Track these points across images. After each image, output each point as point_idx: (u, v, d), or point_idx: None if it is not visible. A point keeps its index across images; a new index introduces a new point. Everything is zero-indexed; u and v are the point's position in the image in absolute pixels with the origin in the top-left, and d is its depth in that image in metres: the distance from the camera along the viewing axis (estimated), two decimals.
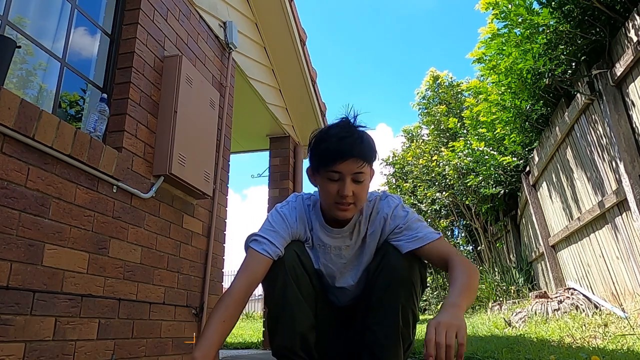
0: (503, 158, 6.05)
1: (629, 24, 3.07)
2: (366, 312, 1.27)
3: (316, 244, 1.35)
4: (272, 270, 1.24)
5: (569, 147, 4.26)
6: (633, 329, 2.60)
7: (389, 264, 1.23)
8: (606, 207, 3.52)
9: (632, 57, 2.97)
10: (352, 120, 1.27)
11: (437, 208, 9.65)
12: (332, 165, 1.20)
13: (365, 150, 1.22)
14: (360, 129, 1.25)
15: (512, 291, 6.19)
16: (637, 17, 2.96)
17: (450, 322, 0.96)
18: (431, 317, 8.31)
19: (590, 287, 4.16)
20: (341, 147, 1.19)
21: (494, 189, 6.71)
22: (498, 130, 5.82)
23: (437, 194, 9.12)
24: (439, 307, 8.81)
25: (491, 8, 4.12)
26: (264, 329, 4.41)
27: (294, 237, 1.32)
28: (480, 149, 6.65)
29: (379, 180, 13.20)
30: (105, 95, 2.06)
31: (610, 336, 2.61)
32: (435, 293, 9.95)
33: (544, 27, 3.86)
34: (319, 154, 1.24)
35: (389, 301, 1.21)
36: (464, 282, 1.11)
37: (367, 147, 1.23)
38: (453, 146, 7.88)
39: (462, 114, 8.76)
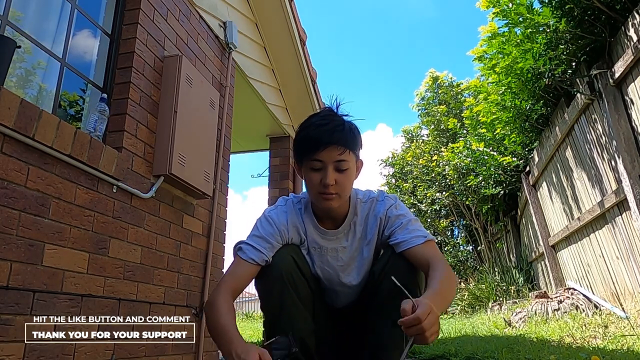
0: (503, 158, 6.05)
1: (628, 24, 3.07)
2: (369, 315, 1.26)
3: (311, 247, 1.32)
4: (268, 276, 1.22)
5: (569, 147, 4.26)
6: (633, 328, 2.60)
7: (393, 268, 1.21)
8: (606, 207, 3.52)
9: (632, 57, 2.97)
10: (335, 109, 1.26)
11: (437, 208, 9.64)
12: (313, 153, 1.18)
13: (346, 137, 1.19)
14: (344, 117, 1.24)
15: (512, 291, 6.19)
16: (637, 17, 2.96)
17: (437, 316, 0.92)
18: None
19: (590, 287, 4.16)
20: (320, 135, 1.18)
21: (494, 189, 6.71)
22: (498, 130, 5.82)
23: (437, 194, 9.12)
24: None
25: (492, 6, 4.13)
26: (263, 329, 4.40)
27: (285, 241, 1.29)
28: (480, 149, 6.65)
29: (378, 181, 13.19)
30: (105, 95, 2.06)
31: (610, 336, 2.61)
32: None
33: (544, 27, 3.87)
34: (300, 144, 1.23)
35: (393, 305, 1.20)
36: (439, 287, 1.05)
37: (348, 134, 1.20)
38: (453, 147, 7.88)
39: (462, 115, 8.75)
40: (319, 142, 1.17)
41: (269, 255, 1.23)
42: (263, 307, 1.26)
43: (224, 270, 3.11)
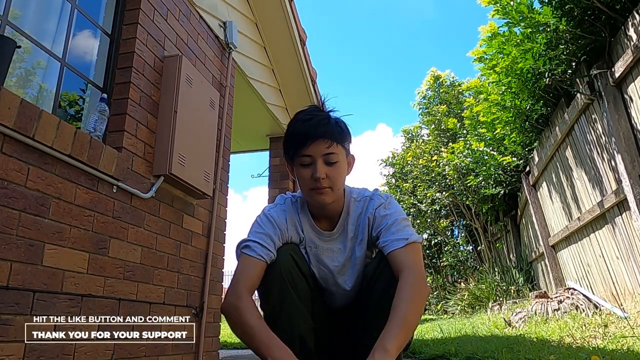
0: (503, 158, 6.05)
1: (628, 24, 3.07)
2: (365, 317, 1.26)
3: (308, 246, 1.33)
4: (267, 274, 1.21)
5: (568, 147, 4.26)
6: (633, 329, 2.60)
7: (386, 269, 1.20)
8: (606, 207, 3.52)
9: (632, 57, 2.97)
10: (321, 105, 1.28)
11: (437, 208, 9.64)
12: (301, 149, 1.20)
13: (332, 130, 1.21)
14: (329, 112, 1.26)
15: (512, 291, 6.19)
16: (637, 17, 2.96)
17: None
18: (431, 317, 8.31)
19: (590, 287, 4.16)
20: (306, 129, 1.20)
21: (494, 189, 6.71)
22: (498, 130, 5.82)
23: (437, 194, 9.12)
24: (438, 306, 8.80)
25: (492, 4, 4.12)
26: None
27: (284, 240, 1.28)
28: (480, 149, 6.65)
29: (378, 181, 13.19)
30: (105, 95, 2.06)
31: (610, 336, 2.60)
32: (435, 293, 9.94)
33: (544, 27, 3.86)
34: (288, 141, 1.24)
35: (387, 306, 1.20)
36: (402, 316, 1.05)
37: (334, 127, 1.22)
38: (453, 148, 7.88)
39: (462, 114, 8.75)
40: (306, 136, 1.19)
41: (275, 253, 1.23)
42: (263, 306, 1.25)
43: (224, 270, 3.12)
